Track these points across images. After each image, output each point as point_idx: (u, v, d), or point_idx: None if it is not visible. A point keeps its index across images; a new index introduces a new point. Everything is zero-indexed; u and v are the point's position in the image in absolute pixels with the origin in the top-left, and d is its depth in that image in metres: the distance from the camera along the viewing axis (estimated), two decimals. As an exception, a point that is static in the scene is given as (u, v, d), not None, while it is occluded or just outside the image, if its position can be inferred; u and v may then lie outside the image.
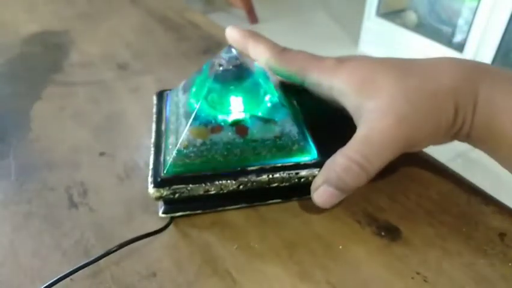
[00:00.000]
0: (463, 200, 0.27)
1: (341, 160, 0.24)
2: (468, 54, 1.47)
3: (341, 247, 0.24)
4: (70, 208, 0.26)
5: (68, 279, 0.22)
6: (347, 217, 0.26)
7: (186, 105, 0.26)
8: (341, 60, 0.26)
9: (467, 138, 0.25)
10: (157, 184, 0.24)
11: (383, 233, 0.25)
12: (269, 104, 0.26)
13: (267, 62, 0.28)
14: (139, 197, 0.27)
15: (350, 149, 0.24)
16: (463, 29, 1.52)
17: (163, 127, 0.28)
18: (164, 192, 0.24)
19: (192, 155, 0.25)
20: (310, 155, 0.26)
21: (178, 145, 0.25)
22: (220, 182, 0.24)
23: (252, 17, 2.08)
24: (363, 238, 0.24)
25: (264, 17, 2.12)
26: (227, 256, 0.24)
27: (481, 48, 1.43)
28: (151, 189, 0.24)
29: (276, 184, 0.25)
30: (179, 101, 0.28)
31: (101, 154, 0.31)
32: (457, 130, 0.24)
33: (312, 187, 0.25)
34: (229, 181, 0.24)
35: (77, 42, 0.47)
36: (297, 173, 0.25)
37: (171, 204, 0.26)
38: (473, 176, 0.29)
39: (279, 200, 0.27)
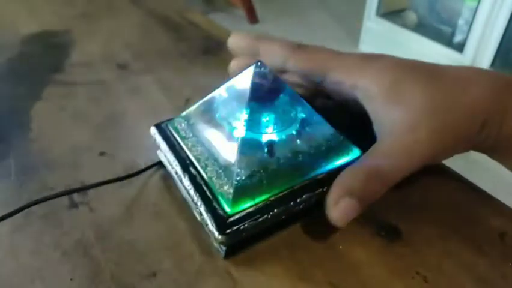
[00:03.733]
0: (463, 200, 0.27)
1: (365, 169, 0.23)
2: (468, 54, 1.47)
3: (341, 247, 0.24)
4: (70, 208, 0.26)
5: (68, 279, 0.22)
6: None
7: (217, 130, 0.25)
8: (366, 58, 0.25)
9: (488, 149, 0.24)
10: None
11: (383, 233, 0.25)
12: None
13: (284, 61, 0.26)
14: (138, 197, 0.27)
15: (373, 160, 0.23)
16: (462, 29, 1.52)
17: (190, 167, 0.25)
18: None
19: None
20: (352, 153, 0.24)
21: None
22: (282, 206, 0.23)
23: (252, 17, 2.08)
24: (363, 238, 0.24)
25: (264, 17, 2.12)
26: (227, 256, 0.24)
27: (481, 48, 1.43)
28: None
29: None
30: (195, 128, 0.26)
31: (101, 154, 0.31)
32: (479, 142, 0.24)
33: (330, 201, 0.22)
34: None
35: (77, 42, 0.47)
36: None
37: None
38: (473, 176, 0.29)
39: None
